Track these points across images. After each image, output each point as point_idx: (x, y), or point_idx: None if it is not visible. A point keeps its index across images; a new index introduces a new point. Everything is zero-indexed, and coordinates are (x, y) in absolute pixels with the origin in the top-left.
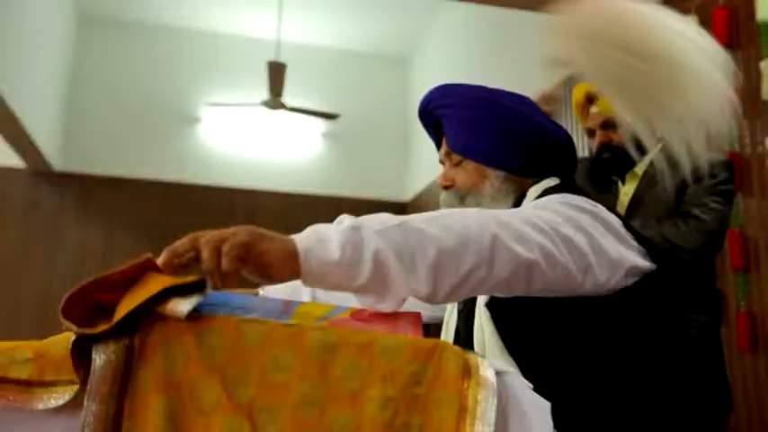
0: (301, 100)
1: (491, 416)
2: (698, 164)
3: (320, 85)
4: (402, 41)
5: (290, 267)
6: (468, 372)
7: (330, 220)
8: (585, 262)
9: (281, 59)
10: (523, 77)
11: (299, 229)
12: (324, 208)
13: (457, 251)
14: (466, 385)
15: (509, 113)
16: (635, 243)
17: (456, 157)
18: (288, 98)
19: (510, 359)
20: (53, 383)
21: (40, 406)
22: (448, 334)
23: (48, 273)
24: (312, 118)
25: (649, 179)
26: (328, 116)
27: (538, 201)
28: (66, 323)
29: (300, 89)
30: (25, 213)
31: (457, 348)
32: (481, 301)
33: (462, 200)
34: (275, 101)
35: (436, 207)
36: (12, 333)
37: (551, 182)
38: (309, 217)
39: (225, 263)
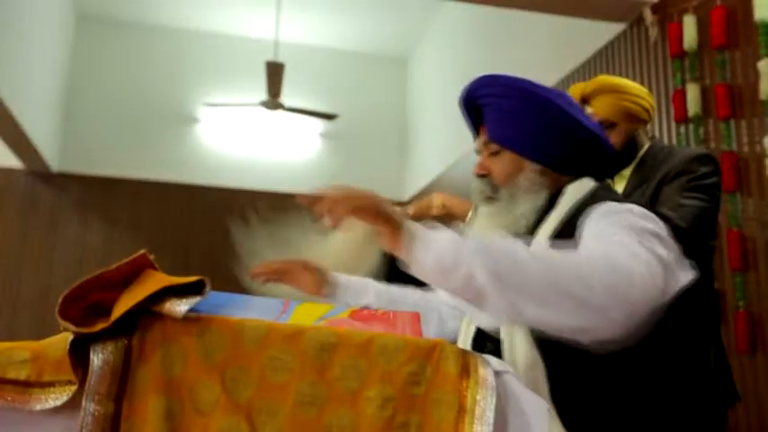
0: (300, 100)
1: (490, 416)
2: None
3: (318, 85)
4: (401, 41)
5: (396, 246)
6: (466, 371)
7: None
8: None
9: (280, 59)
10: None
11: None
12: None
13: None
14: (465, 385)
15: (551, 108)
16: (687, 260)
17: (494, 147)
18: (286, 98)
19: (536, 350)
20: (51, 384)
21: (38, 407)
22: (470, 324)
23: (46, 273)
24: (310, 118)
25: (634, 181)
26: (327, 116)
27: (610, 214)
28: (64, 323)
29: (299, 89)
30: (23, 214)
31: (456, 348)
32: None
33: (496, 190)
34: (273, 101)
35: None
36: (10, 333)
37: (589, 182)
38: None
39: (340, 210)
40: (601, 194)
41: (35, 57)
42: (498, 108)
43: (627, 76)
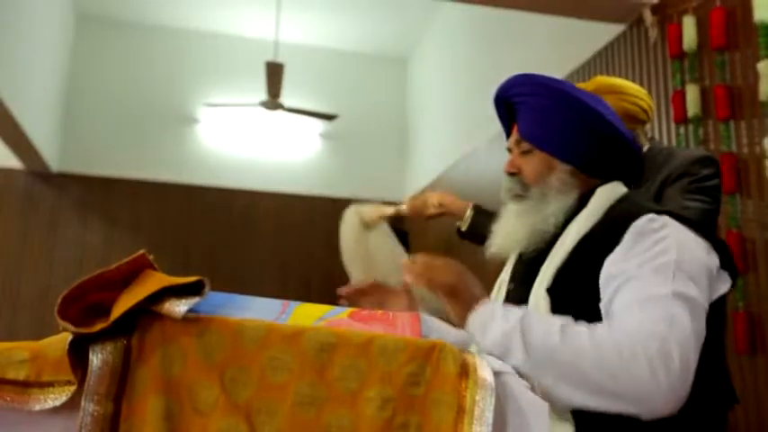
0: (299, 100)
1: (489, 416)
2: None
3: (318, 85)
4: (400, 42)
5: (461, 323)
6: (466, 372)
7: (328, 221)
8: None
9: (280, 60)
10: None
11: (296, 229)
12: (321, 209)
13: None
14: (464, 386)
15: (586, 110)
16: (726, 274)
17: (526, 145)
18: (286, 98)
19: None
20: (50, 384)
21: (37, 407)
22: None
23: (46, 273)
24: (310, 118)
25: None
26: (326, 117)
27: (645, 237)
28: (63, 323)
29: (298, 89)
30: (23, 214)
31: (455, 348)
32: (540, 286)
33: (526, 188)
34: (273, 101)
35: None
36: (10, 333)
37: (619, 188)
38: (307, 218)
39: (418, 281)
40: (635, 201)
41: (35, 57)
42: (531, 107)
43: (626, 77)
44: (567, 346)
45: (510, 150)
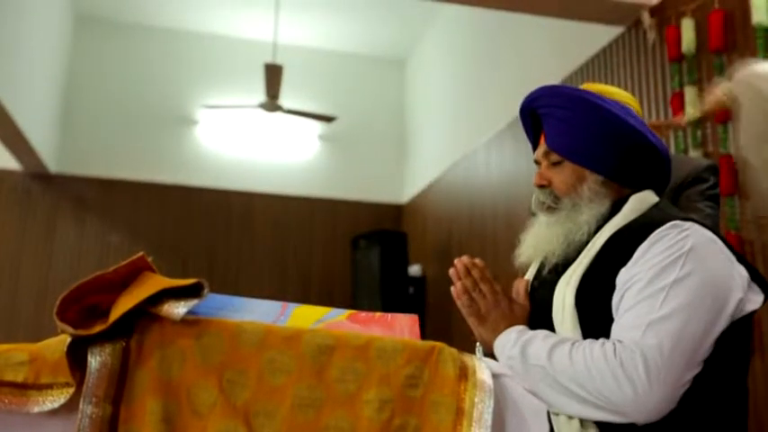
0: (298, 102)
1: (487, 418)
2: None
3: (317, 87)
4: (399, 43)
5: (483, 344)
6: (464, 374)
7: (327, 222)
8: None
9: (278, 61)
10: (520, 80)
11: (295, 230)
12: (320, 210)
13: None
14: (463, 387)
15: (615, 120)
16: (758, 288)
17: (555, 157)
18: (285, 100)
19: (579, 331)
20: (49, 386)
21: (36, 409)
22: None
23: (44, 275)
24: (309, 120)
25: None
26: (325, 118)
27: (660, 243)
28: (62, 325)
29: (297, 91)
30: (21, 215)
31: (454, 351)
32: (566, 286)
33: (557, 200)
34: (272, 103)
35: (433, 209)
36: (8, 336)
37: (652, 197)
38: (305, 219)
39: (462, 306)
40: (664, 210)
41: (33, 58)
42: (558, 118)
43: (625, 79)
44: (554, 366)
45: (538, 162)
